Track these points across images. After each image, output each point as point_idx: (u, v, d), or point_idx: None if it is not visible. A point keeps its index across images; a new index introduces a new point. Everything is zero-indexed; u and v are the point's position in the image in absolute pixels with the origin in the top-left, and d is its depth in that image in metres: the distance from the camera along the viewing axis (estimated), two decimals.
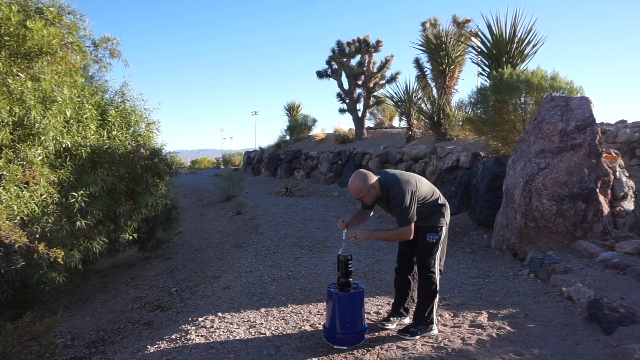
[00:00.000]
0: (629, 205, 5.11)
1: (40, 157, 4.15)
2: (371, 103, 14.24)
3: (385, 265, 4.99)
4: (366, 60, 13.89)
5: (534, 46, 8.09)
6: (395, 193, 2.85)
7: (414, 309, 3.16)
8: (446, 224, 3.08)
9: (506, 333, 3.04)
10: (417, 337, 2.97)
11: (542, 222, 4.75)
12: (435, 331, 3.05)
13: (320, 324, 3.29)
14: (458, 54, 10.83)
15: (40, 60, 4.23)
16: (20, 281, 4.24)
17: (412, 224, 2.85)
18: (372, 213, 3.21)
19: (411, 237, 2.89)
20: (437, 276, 3.02)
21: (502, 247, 5.15)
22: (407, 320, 3.23)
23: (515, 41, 8.04)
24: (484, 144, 7.71)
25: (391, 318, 3.22)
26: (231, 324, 3.40)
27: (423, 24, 11.42)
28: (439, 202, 3.07)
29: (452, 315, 3.43)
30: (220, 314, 3.61)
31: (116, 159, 5.14)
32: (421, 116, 11.18)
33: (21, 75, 4.04)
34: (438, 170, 8.09)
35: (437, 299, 3.05)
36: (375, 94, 14.07)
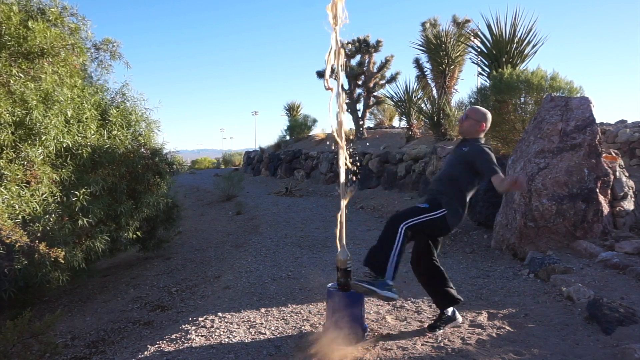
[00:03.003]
0: (628, 205, 5.12)
1: (42, 157, 4.16)
2: (371, 103, 14.24)
3: None
4: (366, 60, 13.90)
5: (534, 46, 8.10)
6: (476, 151, 2.90)
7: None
8: (448, 224, 2.94)
9: (506, 333, 3.04)
10: (367, 286, 2.75)
11: (541, 222, 4.76)
12: (395, 295, 2.80)
13: (320, 324, 3.30)
14: (458, 54, 10.84)
15: (41, 61, 4.24)
16: (23, 280, 4.25)
17: (500, 176, 2.74)
18: None
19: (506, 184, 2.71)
20: (401, 234, 2.80)
21: (502, 247, 5.15)
22: (460, 319, 3.14)
23: (515, 41, 8.05)
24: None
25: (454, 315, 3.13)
26: (231, 323, 3.40)
27: (423, 24, 11.43)
28: (465, 200, 2.97)
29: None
30: (220, 314, 3.61)
31: (117, 159, 5.15)
32: (421, 116, 11.19)
33: (22, 75, 4.05)
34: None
35: (398, 251, 2.79)
36: (375, 94, 14.07)
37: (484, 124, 3.03)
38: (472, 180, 2.97)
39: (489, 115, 3.08)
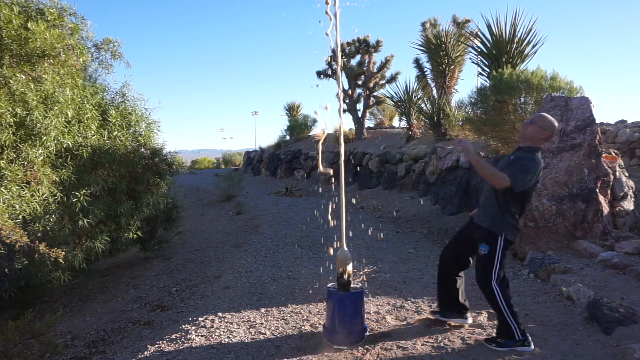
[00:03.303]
0: (628, 205, 5.12)
1: (42, 157, 4.17)
2: (371, 103, 14.24)
3: (386, 265, 5.00)
4: (366, 60, 13.89)
5: (534, 46, 8.10)
6: (522, 157, 2.74)
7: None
8: (513, 241, 2.84)
9: None
10: (501, 349, 2.77)
11: (542, 222, 4.76)
12: (530, 348, 2.75)
13: (320, 323, 3.30)
14: (458, 54, 10.84)
15: (42, 63, 4.25)
16: (24, 280, 4.26)
17: (509, 181, 2.62)
18: None
19: (501, 186, 2.66)
20: (497, 286, 2.79)
21: None
22: (470, 320, 3.15)
23: (515, 41, 8.04)
24: (484, 144, 7.72)
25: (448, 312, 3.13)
26: (231, 323, 3.40)
27: (423, 24, 11.42)
28: (512, 210, 2.79)
29: None
30: (220, 314, 3.61)
31: (117, 159, 5.15)
32: (421, 116, 11.19)
33: (22, 76, 4.06)
34: (438, 170, 8.10)
35: (508, 309, 2.79)
36: (375, 94, 14.07)
37: (549, 134, 2.85)
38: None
39: (556, 125, 2.91)
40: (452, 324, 3.16)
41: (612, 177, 4.95)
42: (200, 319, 3.54)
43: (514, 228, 2.82)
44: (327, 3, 2.88)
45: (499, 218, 2.79)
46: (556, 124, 2.91)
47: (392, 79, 13.61)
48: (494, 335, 2.93)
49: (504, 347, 2.77)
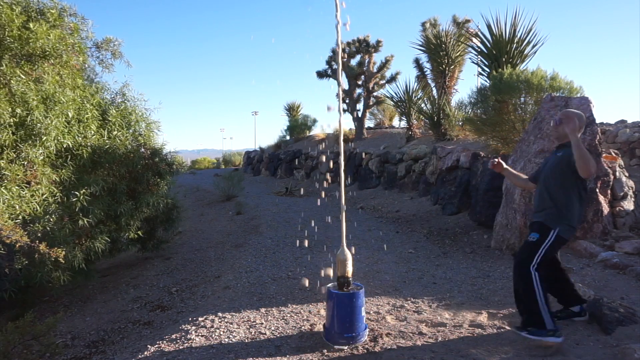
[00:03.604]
0: (628, 205, 5.12)
1: (42, 157, 4.17)
2: (371, 103, 14.26)
3: (385, 265, 5.00)
4: (366, 60, 13.91)
5: (533, 46, 8.11)
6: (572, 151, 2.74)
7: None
8: (565, 238, 2.82)
9: (506, 333, 3.04)
10: (531, 337, 2.74)
11: None
12: (559, 339, 2.68)
13: (320, 324, 3.30)
14: (458, 54, 10.85)
15: (43, 63, 4.25)
16: (24, 280, 4.26)
17: (594, 166, 2.67)
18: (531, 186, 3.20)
19: (589, 172, 2.66)
20: (536, 271, 2.76)
21: (502, 247, 5.15)
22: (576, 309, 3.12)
23: (515, 41, 8.05)
24: (484, 144, 7.72)
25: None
26: (231, 323, 3.41)
27: (423, 24, 11.43)
28: (573, 206, 2.79)
29: (452, 315, 3.44)
30: (220, 314, 3.62)
31: (117, 159, 5.15)
32: (421, 116, 11.20)
33: (23, 76, 4.06)
34: (438, 170, 8.10)
35: (544, 296, 2.74)
36: (375, 94, 14.08)
37: (580, 124, 2.89)
38: (574, 182, 2.80)
39: (584, 116, 2.96)
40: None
41: (612, 177, 4.95)
42: (200, 319, 3.54)
43: (569, 226, 2.81)
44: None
45: (554, 213, 2.81)
46: (584, 115, 2.96)
47: (392, 79, 13.63)
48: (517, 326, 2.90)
49: (535, 335, 2.73)
